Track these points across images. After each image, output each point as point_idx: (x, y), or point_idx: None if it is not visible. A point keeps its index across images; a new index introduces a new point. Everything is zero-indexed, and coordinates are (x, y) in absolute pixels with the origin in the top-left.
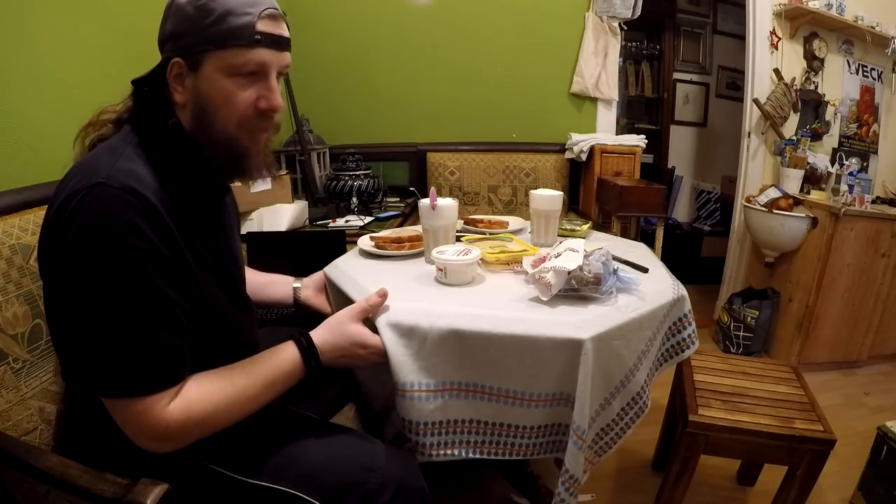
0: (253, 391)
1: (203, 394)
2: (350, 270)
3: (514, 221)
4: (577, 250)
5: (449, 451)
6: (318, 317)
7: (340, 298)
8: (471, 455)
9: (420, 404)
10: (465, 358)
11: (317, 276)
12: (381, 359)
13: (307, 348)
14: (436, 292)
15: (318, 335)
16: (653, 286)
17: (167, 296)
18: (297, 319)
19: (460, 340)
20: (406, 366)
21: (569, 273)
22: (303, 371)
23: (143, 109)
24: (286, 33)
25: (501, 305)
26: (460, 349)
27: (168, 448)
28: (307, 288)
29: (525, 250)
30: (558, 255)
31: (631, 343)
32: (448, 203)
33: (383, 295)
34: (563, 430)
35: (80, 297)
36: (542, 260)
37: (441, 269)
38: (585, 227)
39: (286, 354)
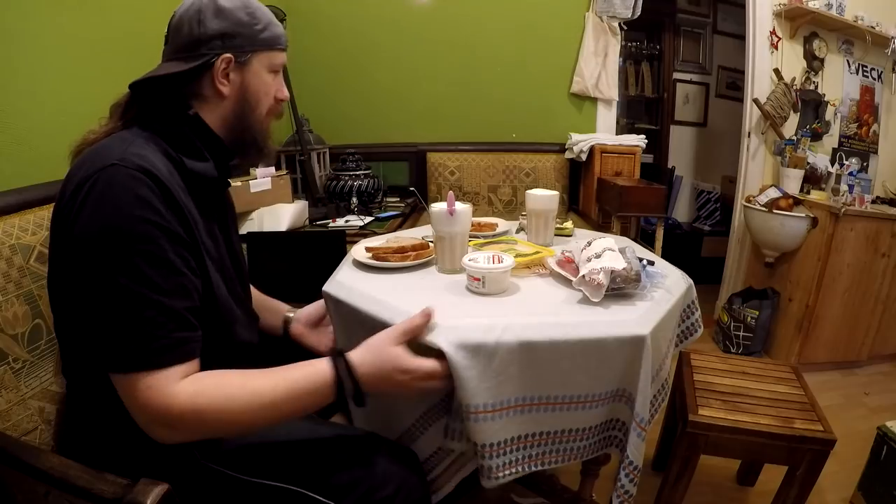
0: (270, 397)
1: (214, 383)
2: (358, 286)
3: (501, 223)
4: (615, 249)
5: (511, 470)
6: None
7: (351, 318)
8: (531, 469)
9: (486, 425)
10: (533, 370)
11: (311, 309)
12: (424, 384)
13: (342, 367)
14: (482, 304)
15: (358, 355)
16: (670, 277)
17: (179, 269)
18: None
19: (530, 352)
20: (472, 387)
21: (614, 272)
22: (332, 391)
23: (152, 107)
24: None
25: (555, 310)
26: (529, 361)
27: (173, 436)
28: (298, 322)
29: (538, 252)
30: (598, 256)
31: (666, 333)
32: (464, 208)
33: (427, 315)
34: (615, 426)
35: (93, 271)
36: (569, 261)
37: (478, 279)
38: (569, 224)
39: (316, 369)
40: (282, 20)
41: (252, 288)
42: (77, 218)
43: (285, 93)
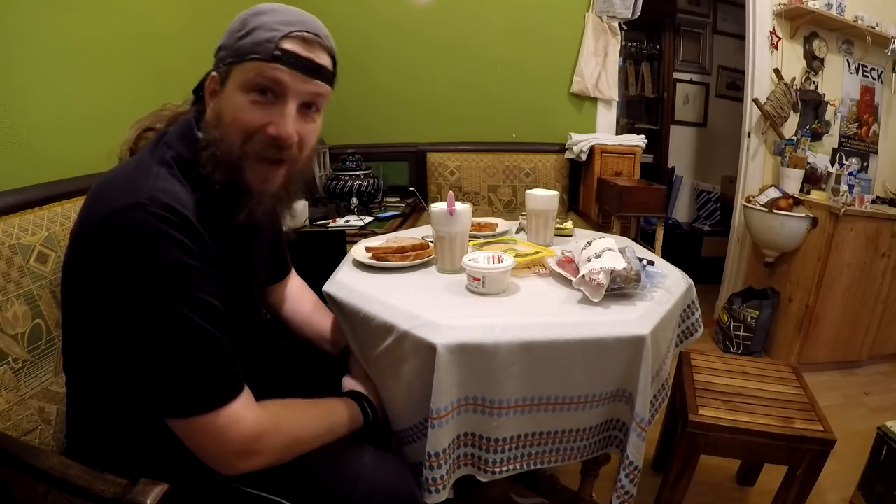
0: (326, 426)
1: (287, 411)
2: (359, 286)
3: (501, 223)
4: (615, 249)
5: (509, 467)
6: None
7: (353, 318)
8: (530, 467)
9: (482, 418)
10: (532, 370)
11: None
12: None
13: (371, 414)
14: (482, 304)
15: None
16: (670, 277)
17: (219, 307)
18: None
19: (530, 352)
20: (459, 385)
21: (614, 272)
22: (361, 427)
23: (181, 123)
24: (319, 60)
25: (555, 310)
26: (529, 361)
27: (253, 462)
28: (350, 369)
29: (538, 252)
30: (598, 256)
31: (666, 333)
32: (464, 208)
33: None
34: (615, 426)
35: (142, 322)
36: (569, 261)
37: (478, 279)
38: (569, 224)
39: (353, 413)
40: None
41: (321, 304)
42: (106, 260)
43: (281, 129)
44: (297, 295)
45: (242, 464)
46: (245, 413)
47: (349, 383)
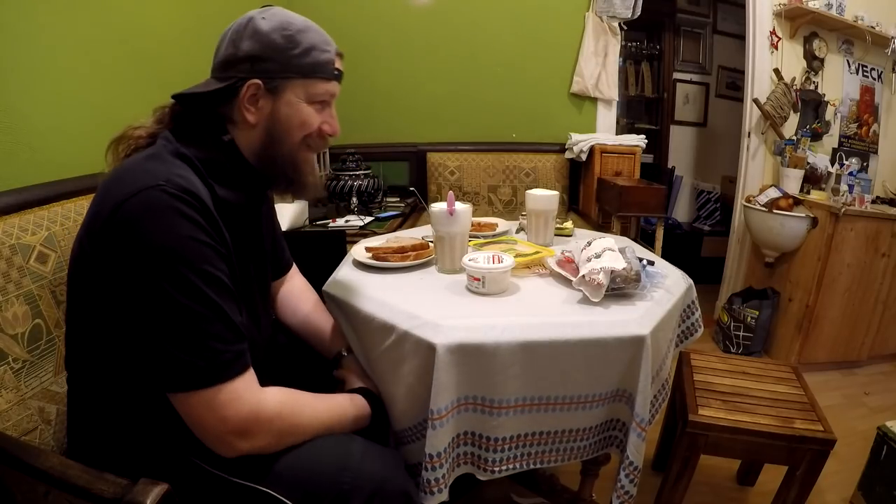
0: (326, 419)
1: (293, 397)
2: (359, 286)
3: (501, 223)
4: (615, 249)
5: (509, 466)
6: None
7: (353, 318)
8: (530, 466)
9: (491, 421)
10: (532, 370)
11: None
12: None
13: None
14: (482, 304)
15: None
16: (670, 277)
17: (228, 285)
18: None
19: (530, 352)
20: (459, 385)
21: (614, 272)
22: (368, 423)
23: (190, 124)
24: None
25: (555, 311)
26: (529, 361)
27: (249, 444)
28: (349, 365)
29: (538, 252)
30: (598, 256)
31: (666, 333)
32: (464, 208)
33: None
34: (614, 426)
35: (151, 292)
36: (569, 261)
37: (478, 279)
38: (569, 224)
39: (359, 404)
40: None
41: (321, 305)
42: (123, 237)
43: (334, 127)
44: (298, 293)
45: (240, 443)
46: (246, 393)
47: (354, 380)
